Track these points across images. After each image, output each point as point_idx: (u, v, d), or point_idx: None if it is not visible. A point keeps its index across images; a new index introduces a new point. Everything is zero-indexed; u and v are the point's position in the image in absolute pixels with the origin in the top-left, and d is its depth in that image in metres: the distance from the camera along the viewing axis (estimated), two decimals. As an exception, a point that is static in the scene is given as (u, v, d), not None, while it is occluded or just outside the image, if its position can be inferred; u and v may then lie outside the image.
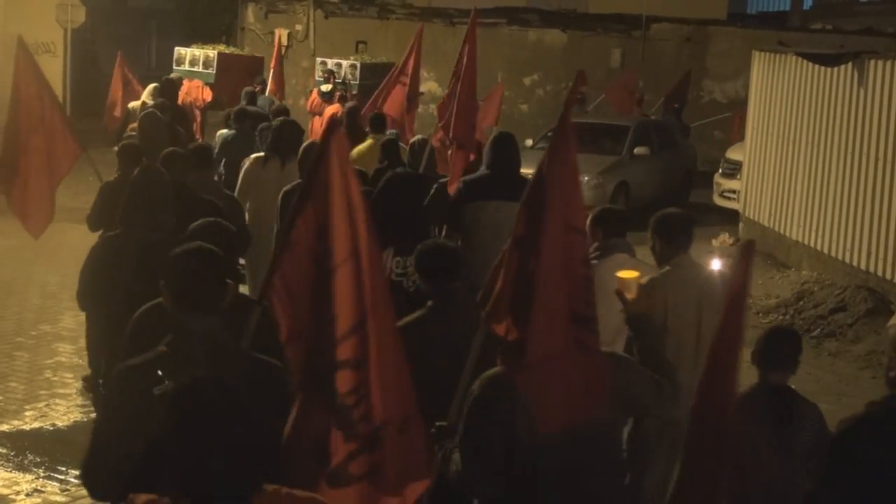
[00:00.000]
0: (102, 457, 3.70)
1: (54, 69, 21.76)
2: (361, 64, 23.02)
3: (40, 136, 8.75)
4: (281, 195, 8.49)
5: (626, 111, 22.54)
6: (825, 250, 14.18)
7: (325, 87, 19.24)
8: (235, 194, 9.48)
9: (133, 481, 3.08)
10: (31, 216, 8.93)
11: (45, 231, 9.12)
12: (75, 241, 9.89)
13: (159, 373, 3.66)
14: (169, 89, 14.00)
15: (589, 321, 3.96)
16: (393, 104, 13.30)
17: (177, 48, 23.39)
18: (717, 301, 5.12)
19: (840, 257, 13.68)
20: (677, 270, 5.91)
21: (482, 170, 8.04)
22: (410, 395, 3.75)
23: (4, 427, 8.34)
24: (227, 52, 23.79)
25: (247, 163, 10.14)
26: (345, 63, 22.68)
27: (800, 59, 15.52)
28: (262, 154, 10.04)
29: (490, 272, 4.31)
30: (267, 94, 18.90)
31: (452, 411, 4.39)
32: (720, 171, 19.34)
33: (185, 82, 20.70)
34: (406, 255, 6.06)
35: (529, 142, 20.82)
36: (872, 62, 13.39)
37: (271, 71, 19.13)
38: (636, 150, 19.34)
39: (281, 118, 11.24)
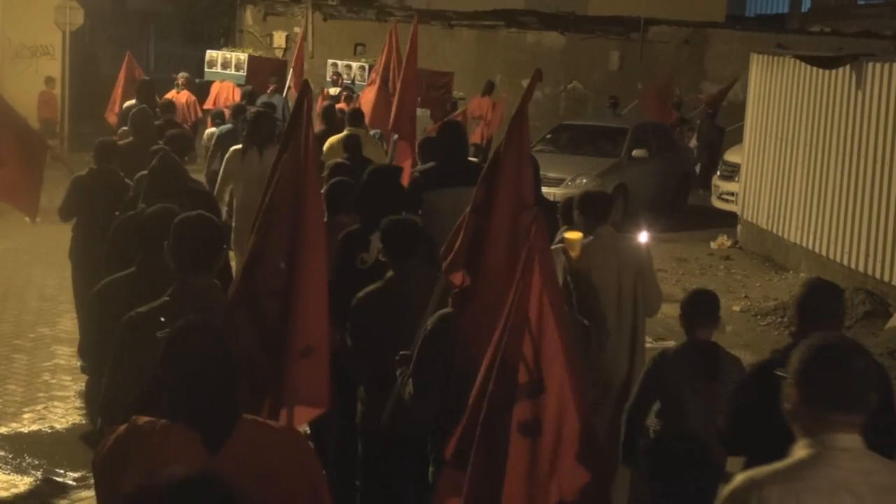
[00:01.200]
0: (117, 393, 4.21)
1: (53, 71, 21.79)
2: (370, 66, 23.04)
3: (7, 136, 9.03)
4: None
5: (663, 119, 22.41)
6: (823, 252, 14.19)
7: (333, 91, 19.42)
8: (217, 185, 9.95)
9: (136, 408, 3.53)
10: (20, 200, 9.21)
11: (45, 234, 9.22)
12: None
13: (162, 319, 4.21)
14: (146, 91, 14.27)
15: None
16: (365, 103, 14.06)
17: (208, 51, 23.64)
18: (634, 264, 6.74)
19: (838, 259, 13.69)
20: (599, 239, 6.69)
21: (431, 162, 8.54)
22: (323, 327, 4.32)
23: (3, 430, 8.34)
24: (255, 54, 24.12)
25: (227, 155, 10.44)
26: (354, 65, 22.74)
27: (798, 61, 15.53)
28: (240, 146, 10.27)
29: (451, 233, 4.98)
30: (285, 94, 19.04)
31: (413, 345, 5.09)
32: (718, 173, 19.35)
33: (217, 83, 21.01)
34: None
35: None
36: (870, 65, 13.40)
37: (291, 71, 19.17)
38: (634, 153, 19.36)
39: (255, 110, 11.79)
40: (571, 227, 6.74)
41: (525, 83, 23.74)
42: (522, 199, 4.75)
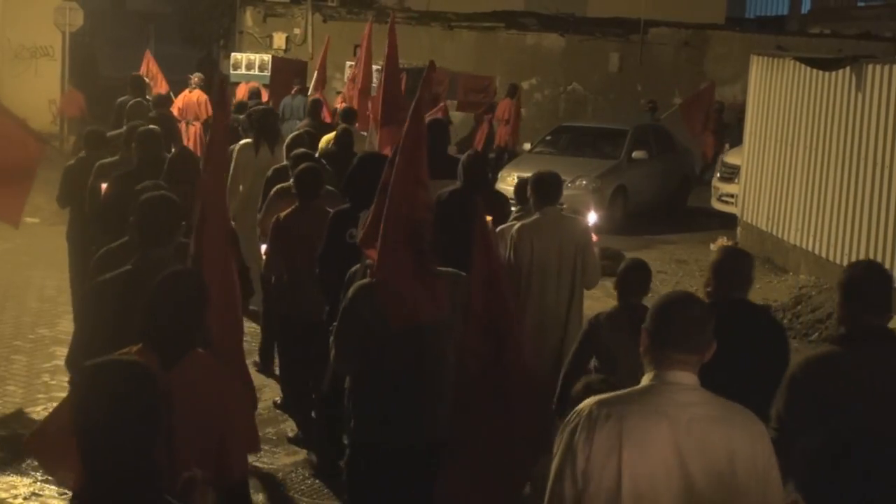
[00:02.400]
0: (83, 348, 4.82)
1: (52, 72, 21.80)
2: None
3: None
4: (271, 171, 9.80)
5: (698, 133, 22.32)
6: (823, 254, 14.19)
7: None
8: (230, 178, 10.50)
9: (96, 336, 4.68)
10: (3, 210, 9.38)
11: (44, 235, 9.27)
12: (73, 244, 9.91)
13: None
14: (138, 85, 15.56)
15: (429, 253, 5.34)
16: (349, 99, 15.09)
17: (233, 53, 23.84)
18: (574, 240, 7.56)
19: (838, 261, 13.68)
20: (544, 217, 7.58)
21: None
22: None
23: (2, 431, 8.33)
24: (279, 56, 24.28)
25: (236, 148, 10.97)
26: (373, 67, 22.74)
27: (798, 63, 15.53)
28: (250, 141, 11.13)
29: (369, 213, 5.71)
30: (309, 95, 19.21)
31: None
32: (718, 174, 19.34)
33: (242, 85, 21.23)
34: None
35: (527, 146, 20.85)
36: (870, 66, 13.40)
37: (315, 73, 19.23)
38: (634, 154, 19.36)
39: (262, 108, 12.95)
40: (523, 207, 7.84)
41: (525, 85, 23.84)
42: (418, 178, 5.34)
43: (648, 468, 3.57)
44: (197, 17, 32.37)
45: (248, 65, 23.06)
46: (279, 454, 8.08)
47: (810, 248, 14.62)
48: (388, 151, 10.93)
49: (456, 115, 23.59)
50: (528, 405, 5.17)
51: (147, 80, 18.25)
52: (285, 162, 9.55)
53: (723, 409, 3.69)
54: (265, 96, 20.71)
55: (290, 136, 10.59)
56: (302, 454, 8.07)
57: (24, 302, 11.88)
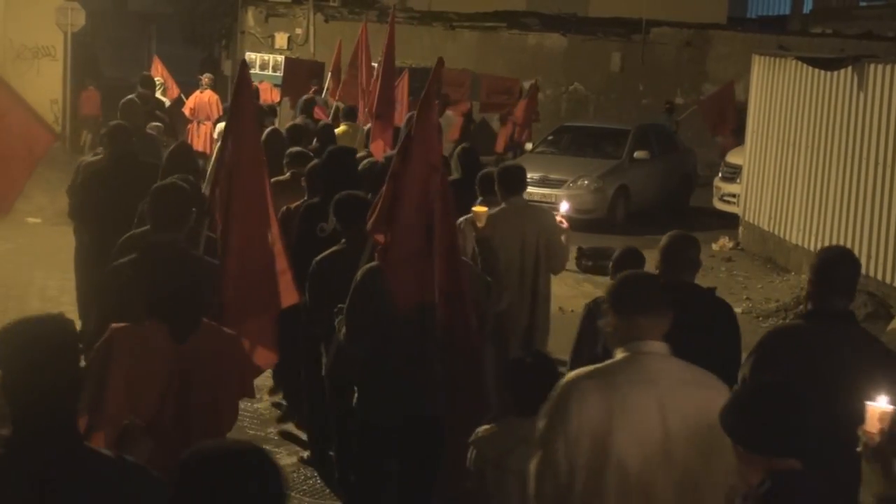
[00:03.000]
0: (99, 329, 5.03)
1: (54, 73, 21.76)
2: (402, 67, 23.09)
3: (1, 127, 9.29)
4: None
5: (721, 129, 22.37)
6: (825, 254, 14.18)
7: None
8: None
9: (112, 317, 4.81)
10: None
11: (46, 236, 9.27)
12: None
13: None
14: (147, 83, 16.36)
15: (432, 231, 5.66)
16: (349, 97, 15.66)
17: (247, 53, 23.87)
18: (538, 228, 7.94)
19: (840, 261, 13.67)
20: (510, 207, 7.98)
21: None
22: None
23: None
24: (293, 57, 24.35)
25: None
26: (372, 64, 22.77)
27: (800, 63, 15.53)
28: None
29: (375, 199, 6.00)
30: (324, 95, 19.36)
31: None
32: (720, 174, 19.34)
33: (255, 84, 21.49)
34: None
35: (529, 145, 20.86)
36: (872, 66, 13.39)
37: (329, 73, 19.30)
38: (636, 154, 19.36)
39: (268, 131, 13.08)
40: (487, 198, 8.12)
41: (527, 85, 23.85)
42: (431, 164, 5.67)
43: (636, 432, 3.86)
44: (198, 18, 32.39)
45: (262, 65, 23.23)
46: (281, 454, 8.08)
47: (812, 248, 14.60)
48: (378, 144, 11.68)
49: (477, 116, 23.67)
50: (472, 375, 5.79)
51: (161, 81, 19.17)
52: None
53: (697, 374, 4.04)
54: (275, 95, 20.92)
55: (268, 131, 11.07)
56: (304, 454, 8.07)
57: (26, 302, 11.88)
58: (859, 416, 3.89)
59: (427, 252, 5.56)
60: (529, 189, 17.54)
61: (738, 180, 18.11)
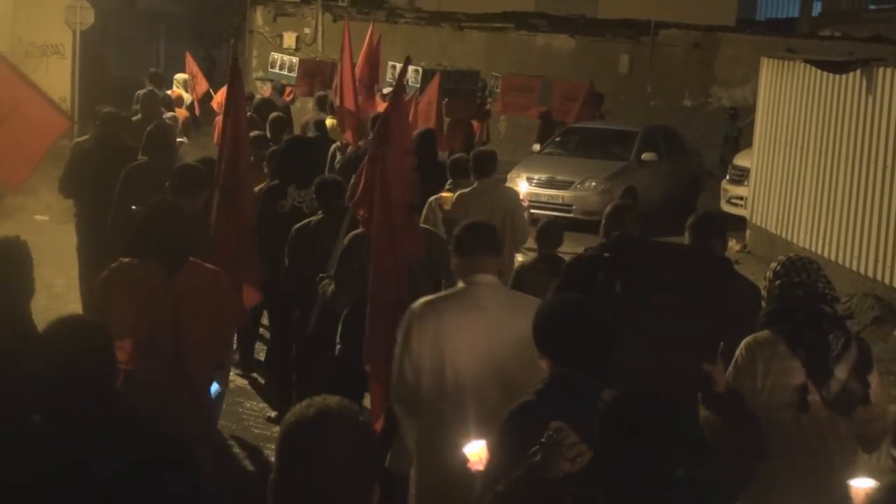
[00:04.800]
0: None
1: (63, 71, 21.83)
2: (423, 70, 23.14)
3: (19, 115, 9.86)
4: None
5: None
6: (832, 258, 14.16)
7: (387, 90, 19.81)
8: None
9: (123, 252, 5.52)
10: (4, 176, 10.06)
11: (53, 233, 9.36)
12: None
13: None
14: (157, 79, 17.14)
15: (412, 207, 6.48)
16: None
17: (272, 52, 23.98)
18: (504, 206, 9.05)
19: (847, 265, 13.66)
20: (479, 186, 9.17)
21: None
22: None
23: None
24: (306, 57, 24.46)
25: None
26: (409, 68, 22.81)
27: (808, 65, 15.50)
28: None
29: (354, 179, 7.07)
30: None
31: (331, 262, 7.22)
32: (727, 177, 19.30)
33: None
34: (302, 188, 8.56)
35: (537, 147, 20.83)
36: (881, 70, 13.37)
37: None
38: (644, 156, 19.34)
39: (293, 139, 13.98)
40: (457, 182, 9.41)
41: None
42: (405, 148, 6.56)
43: (466, 346, 4.79)
44: (207, 17, 32.47)
45: (281, 65, 23.42)
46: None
47: (819, 251, 14.58)
48: (349, 132, 12.75)
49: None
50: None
51: (188, 78, 19.94)
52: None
53: (519, 299, 5.05)
54: (285, 95, 21.11)
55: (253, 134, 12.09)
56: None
57: (34, 300, 11.89)
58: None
59: (406, 224, 6.31)
60: (537, 190, 17.86)
61: (745, 183, 18.08)
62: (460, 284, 5.03)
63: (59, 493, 3.22)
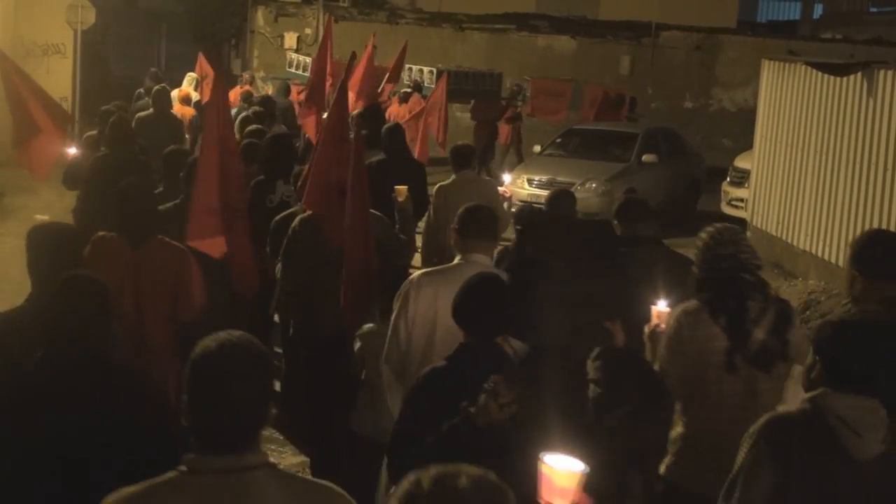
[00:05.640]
0: None
1: (64, 70, 21.83)
2: (438, 70, 23.20)
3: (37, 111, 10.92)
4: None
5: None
6: (833, 260, 14.16)
7: (403, 91, 20.03)
8: None
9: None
10: (35, 166, 10.97)
11: None
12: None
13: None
14: (155, 78, 18.08)
15: (343, 191, 6.90)
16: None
17: (290, 53, 24.03)
18: (481, 196, 8.62)
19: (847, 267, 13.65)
20: (459, 178, 9.90)
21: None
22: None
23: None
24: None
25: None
26: (425, 69, 22.85)
27: (809, 68, 15.51)
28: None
29: (307, 169, 7.77)
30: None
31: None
32: (728, 179, 19.30)
33: (237, 87, 22.21)
34: (290, 183, 8.92)
35: (538, 148, 20.84)
36: (882, 72, 13.37)
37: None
38: (644, 158, 19.33)
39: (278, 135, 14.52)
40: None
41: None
42: (341, 137, 7.16)
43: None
44: (208, 17, 32.45)
45: (297, 64, 23.54)
46: (286, 454, 8.10)
47: (820, 254, 14.59)
48: (310, 128, 13.31)
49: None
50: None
51: (199, 77, 20.23)
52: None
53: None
54: (294, 95, 21.27)
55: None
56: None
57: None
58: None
59: (340, 206, 6.85)
60: (538, 191, 17.87)
61: (746, 185, 18.09)
62: (457, 260, 5.69)
63: (42, 418, 3.82)
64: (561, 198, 8.19)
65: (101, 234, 6.12)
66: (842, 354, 3.77)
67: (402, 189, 8.45)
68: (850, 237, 13.65)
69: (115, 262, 5.94)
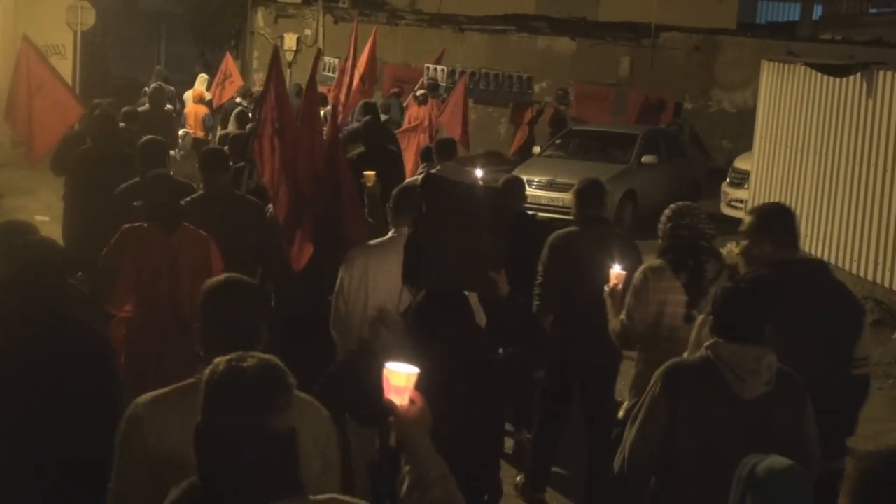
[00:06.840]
0: None
1: (64, 71, 21.78)
2: (454, 70, 23.25)
3: (45, 93, 11.37)
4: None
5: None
6: (832, 261, 14.17)
7: (420, 93, 20.06)
8: None
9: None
10: (31, 149, 11.32)
11: (54, 233, 9.48)
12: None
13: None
14: (161, 75, 18.77)
15: (324, 181, 7.22)
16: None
17: (324, 56, 24.23)
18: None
19: (846, 268, 13.67)
20: (443, 169, 10.13)
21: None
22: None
23: None
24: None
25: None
26: (439, 68, 22.89)
27: (809, 69, 15.52)
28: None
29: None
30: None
31: None
32: (728, 180, 19.31)
33: (230, 85, 22.48)
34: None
35: (537, 149, 20.85)
36: (881, 73, 13.39)
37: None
38: (644, 159, 19.34)
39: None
40: (427, 165, 10.80)
41: (536, 88, 23.87)
42: (314, 128, 7.41)
43: (385, 279, 5.77)
44: (208, 18, 32.48)
45: (325, 66, 23.67)
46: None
47: (819, 254, 14.59)
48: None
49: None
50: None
51: (224, 75, 21.10)
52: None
53: None
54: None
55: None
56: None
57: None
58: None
59: (310, 196, 7.15)
60: (537, 192, 17.86)
61: (745, 186, 18.10)
62: (390, 233, 6.19)
63: None
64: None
65: (130, 226, 6.55)
66: (727, 310, 4.53)
67: (370, 174, 8.94)
68: (850, 238, 13.71)
69: (152, 249, 6.42)
